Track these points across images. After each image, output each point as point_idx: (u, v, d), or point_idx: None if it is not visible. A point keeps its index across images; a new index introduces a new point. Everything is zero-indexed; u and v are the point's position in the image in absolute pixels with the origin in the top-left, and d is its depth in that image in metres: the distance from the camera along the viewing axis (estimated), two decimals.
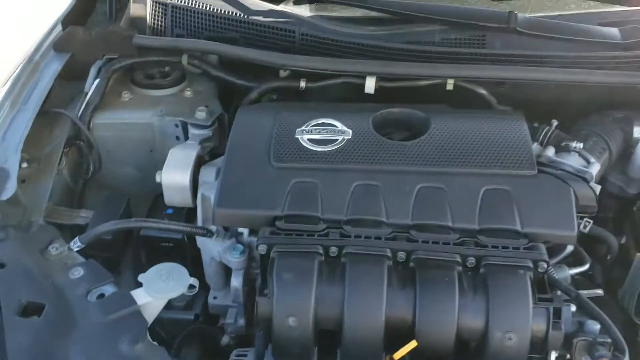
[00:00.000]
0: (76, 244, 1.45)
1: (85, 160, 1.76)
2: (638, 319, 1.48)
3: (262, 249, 1.35)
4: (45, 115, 1.69)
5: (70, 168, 1.74)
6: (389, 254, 1.32)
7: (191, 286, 1.39)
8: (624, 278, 1.54)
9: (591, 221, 1.47)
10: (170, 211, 1.65)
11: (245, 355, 1.47)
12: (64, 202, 1.70)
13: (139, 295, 1.34)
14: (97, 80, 1.77)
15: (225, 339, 1.60)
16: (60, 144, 1.68)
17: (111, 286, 1.37)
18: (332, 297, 1.28)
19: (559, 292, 1.33)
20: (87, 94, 1.76)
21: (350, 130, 1.53)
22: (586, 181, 1.43)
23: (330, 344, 1.32)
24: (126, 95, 1.82)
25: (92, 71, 1.80)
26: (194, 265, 1.60)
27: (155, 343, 1.31)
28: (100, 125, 1.77)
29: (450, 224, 1.37)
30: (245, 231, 1.50)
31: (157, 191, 1.71)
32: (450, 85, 1.70)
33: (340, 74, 1.72)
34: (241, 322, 1.57)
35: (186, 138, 1.77)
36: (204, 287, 1.63)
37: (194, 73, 1.91)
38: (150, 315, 1.36)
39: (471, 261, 1.30)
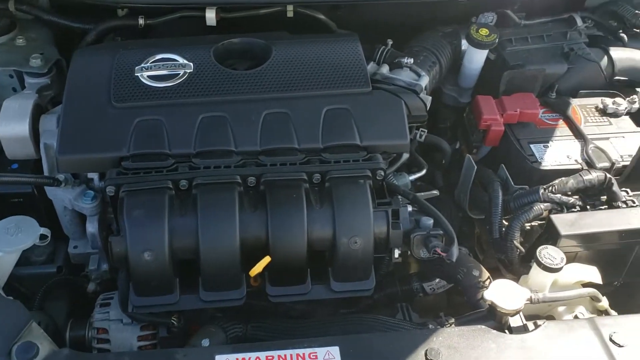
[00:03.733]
0: None
1: None
2: (472, 213, 1.65)
3: (111, 190, 1.34)
4: None
5: None
6: (239, 180, 1.36)
7: (42, 236, 1.36)
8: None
9: (426, 130, 1.59)
10: (15, 166, 1.59)
11: (111, 298, 1.49)
12: None
13: None
14: None
15: (91, 286, 1.59)
16: None
17: None
18: (186, 228, 1.31)
19: (400, 197, 1.45)
20: None
21: (191, 64, 1.53)
22: (416, 93, 1.54)
23: (191, 274, 1.36)
24: None
25: None
26: (50, 217, 1.57)
27: (10, 297, 1.29)
28: None
29: (296, 145, 1.43)
30: (95, 176, 1.47)
31: None
32: (290, 12, 1.72)
33: (178, 7, 1.69)
34: (104, 267, 1.56)
35: (24, 89, 1.68)
36: (64, 239, 1.60)
37: (25, 19, 1.79)
38: (4, 270, 1.33)
39: (317, 177, 1.38)
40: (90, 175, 1.48)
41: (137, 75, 1.50)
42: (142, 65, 1.52)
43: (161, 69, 1.51)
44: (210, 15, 1.68)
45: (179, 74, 1.50)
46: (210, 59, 1.54)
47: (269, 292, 1.38)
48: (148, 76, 1.50)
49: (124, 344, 1.42)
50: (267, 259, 1.31)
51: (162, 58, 1.53)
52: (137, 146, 1.39)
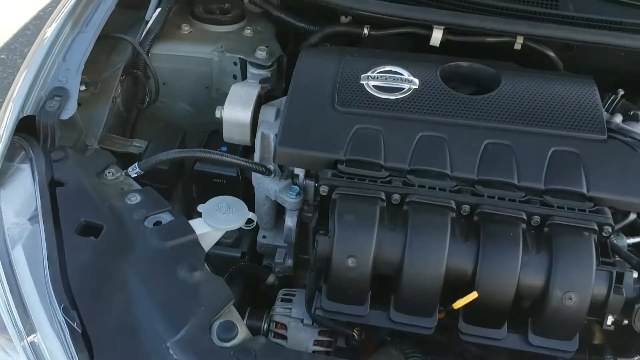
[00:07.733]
0: (135, 170, 1.45)
1: (141, 89, 1.74)
2: None
3: (324, 189, 1.34)
4: (105, 40, 1.66)
5: (125, 97, 1.72)
6: (453, 206, 1.30)
7: (249, 220, 1.38)
8: None
9: None
10: (224, 149, 1.64)
11: (293, 295, 1.48)
12: (115, 130, 1.69)
13: (198, 225, 1.33)
14: (158, 10, 1.74)
15: (271, 278, 1.61)
16: (118, 71, 1.66)
17: (168, 214, 1.36)
18: (393, 243, 1.27)
19: (619, 259, 1.32)
20: (147, 22, 1.73)
21: (417, 80, 1.50)
22: None
23: (382, 290, 1.32)
24: (186, 28, 1.79)
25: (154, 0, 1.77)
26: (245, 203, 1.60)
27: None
28: (158, 56, 1.74)
29: (516, 181, 1.35)
30: (301, 173, 1.49)
31: (209, 129, 1.71)
32: (518, 44, 1.65)
33: (406, 23, 1.67)
34: (289, 262, 1.57)
35: (243, 77, 1.75)
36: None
37: (254, 12, 1.88)
38: (207, 245, 1.35)
39: (536, 219, 1.29)
40: (296, 171, 1.49)
41: (363, 83, 1.49)
42: (368, 74, 1.51)
43: (387, 80, 1.50)
44: (437, 35, 1.65)
45: (404, 88, 1.49)
46: (437, 79, 1.51)
47: (461, 328, 1.30)
48: (373, 85, 1.49)
49: (299, 344, 1.41)
50: (474, 295, 1.23)
51: (389, 70, 1.52)
52: (353, 152, 1.39)
